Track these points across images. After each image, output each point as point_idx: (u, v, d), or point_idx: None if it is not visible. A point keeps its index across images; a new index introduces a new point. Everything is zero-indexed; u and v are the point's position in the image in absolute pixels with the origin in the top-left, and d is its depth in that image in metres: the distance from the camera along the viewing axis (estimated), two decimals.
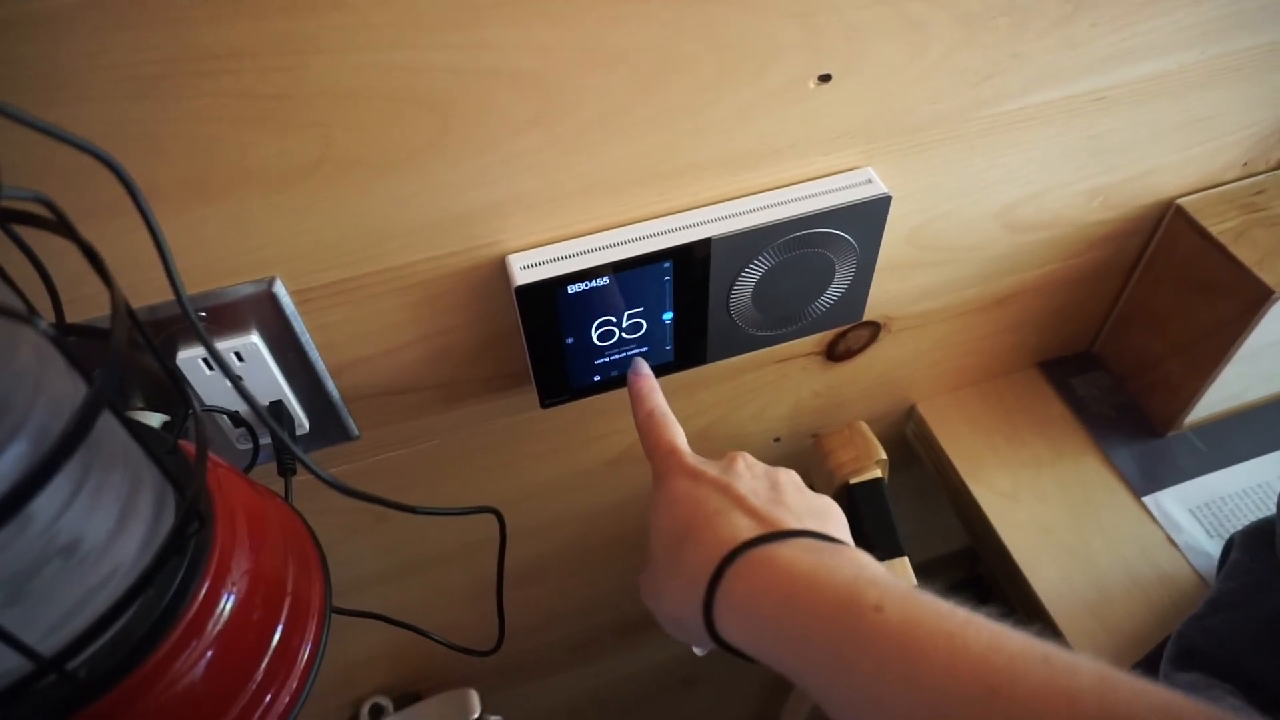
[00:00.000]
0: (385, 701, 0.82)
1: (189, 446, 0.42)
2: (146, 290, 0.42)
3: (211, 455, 0.41)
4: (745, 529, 0.36)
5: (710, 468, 0.42)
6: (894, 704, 0.28)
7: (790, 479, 0.42)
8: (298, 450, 0.36)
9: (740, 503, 0.38)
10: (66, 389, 0.29)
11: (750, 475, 0.41)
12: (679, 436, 0.45)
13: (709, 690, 1.16)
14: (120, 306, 0.29)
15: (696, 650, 0.42)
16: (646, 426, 0.46)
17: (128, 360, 0.43)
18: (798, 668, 0.32)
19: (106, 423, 0.33)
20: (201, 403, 0.47)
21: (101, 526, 0.32)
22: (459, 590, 0.73)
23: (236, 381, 0.32)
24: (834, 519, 0.40)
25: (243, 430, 0.49)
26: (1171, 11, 0.50)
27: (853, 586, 0.31)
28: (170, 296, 0.42)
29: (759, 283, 0.51)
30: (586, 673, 0.99)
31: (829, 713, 0.32)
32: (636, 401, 0.48)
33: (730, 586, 0.35)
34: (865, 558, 0.34)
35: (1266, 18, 0.53)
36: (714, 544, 0.36)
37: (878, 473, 0.66)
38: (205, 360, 0.44)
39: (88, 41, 0.33)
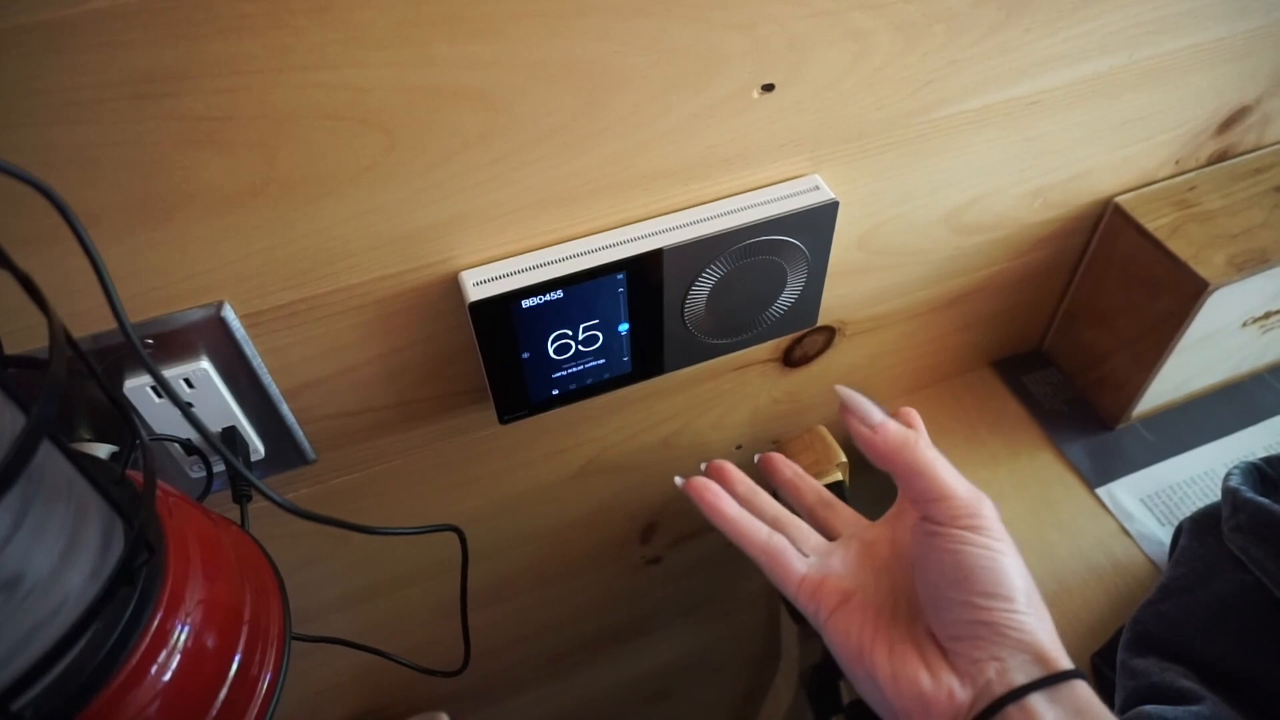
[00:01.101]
0: None
1: (138, 477, 0.41)
2: (90, 318, 0.41)
3: (162, 484, 0.40)
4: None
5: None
6: None
7: None
8: (249, 475, 0.36)
9: None
10: (4, 422, 0.28)
11: None
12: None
13: (682, 703, 1.16)
14: (59, 334, 0.28)
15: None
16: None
17: (72, 390, 0.43)
18: None
19: (48, 454, 0.32)
20: (151, 431, 0.46)
21: (45, 560, 0.31)
22: (425, 611, 0.73)
23: (185, 408, 0.32)
24: None
25: (195, 458, 0.48)
26: (1100, 16, 0.51)
27: None
28: (114, 324, 0.42)
29: (712, 291, 0.51)
30: (559, 689, 0.99)
31: None
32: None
33: None
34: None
35: (1189, 21, 0.55)
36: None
37: (839, 475, 0.66)
38: (154, 388, 0.44)
39: (19, 66, 0.32)
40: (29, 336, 0.38)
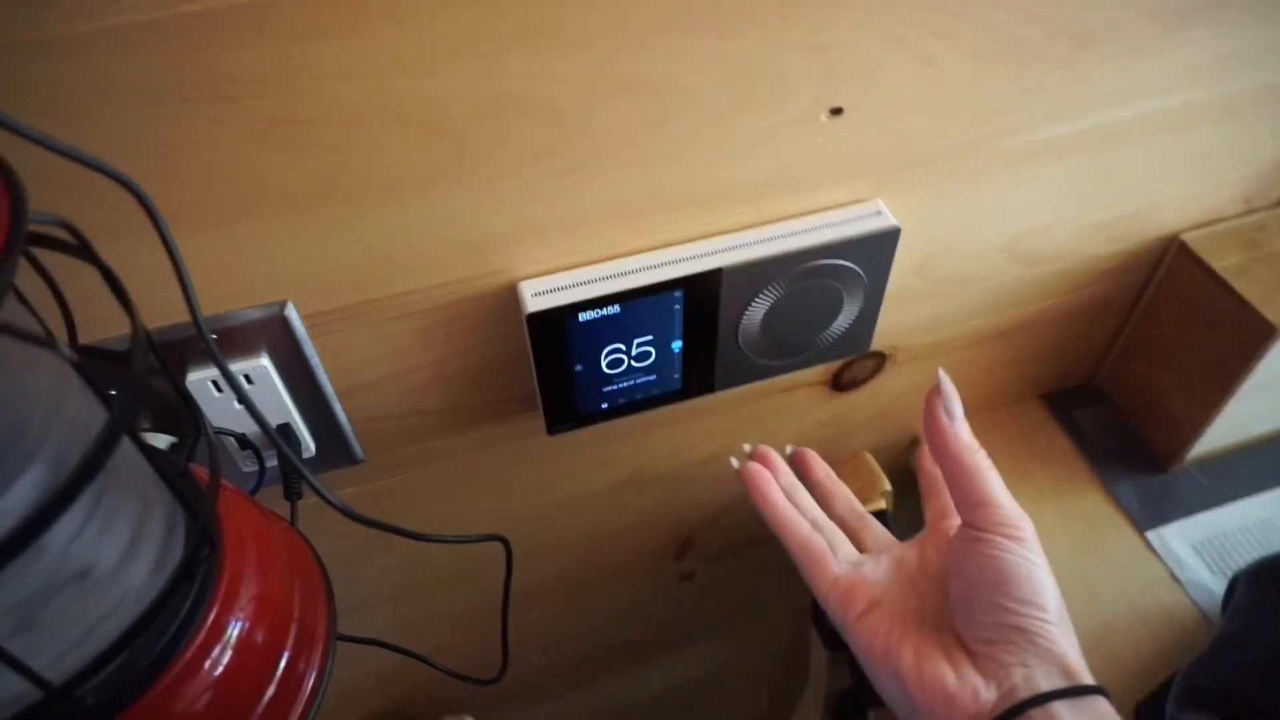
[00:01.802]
0: None
1: (199, 471, 0.42)
2: (158, 311, 0.41)
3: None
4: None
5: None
6: None
7: None
8: (309, 475, 0.36)
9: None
10: (83, 413, 0.28)
11: None
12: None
13: (707, 717, 1.15)
14: (140, 332, 0.29)
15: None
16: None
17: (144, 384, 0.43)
18: None
19: (123, 448, 0.32)
20: (209, 424, 0.46)
21: (113, 552, 0.31)
22: (460, 613, 0.73)
23: (252, 407, 0.32)
24: None
25: (249, 453, 0.48)
26: (1178, 49, 0.50)
27: None
28: (182, 318, 0.42)
29: (768, 312, 0.51)
30: (583, 696, 0.98)
31: None
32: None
33: None
34: None
35: (1270, 58, 0.53)
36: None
37: (883, 504, 0.66)
38: (214, 382, 0.44)
39: (109, 65, 0.33)
40: (99, 327, 0.39)
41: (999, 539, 0.40)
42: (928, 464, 0.52)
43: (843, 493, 0.54)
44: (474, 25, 0.36)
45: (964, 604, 0.41)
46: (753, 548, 0.83)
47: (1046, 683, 0.37)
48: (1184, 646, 0.63)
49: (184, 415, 0.42)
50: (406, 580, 0.68)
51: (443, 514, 0.61)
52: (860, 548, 0.50)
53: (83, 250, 0.28)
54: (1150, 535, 0.69)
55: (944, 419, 0.43)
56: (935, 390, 0.44)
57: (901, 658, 0.41)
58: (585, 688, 0.96)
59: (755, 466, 0.52)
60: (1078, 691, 0.37)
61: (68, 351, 0.25)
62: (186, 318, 0.42)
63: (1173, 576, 0.67)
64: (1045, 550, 0.68)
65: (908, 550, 0.48)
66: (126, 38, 0.32)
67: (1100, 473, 0.73)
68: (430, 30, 0.35)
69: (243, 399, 0.32)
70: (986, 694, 0.38)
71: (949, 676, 0.39)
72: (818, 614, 0.83)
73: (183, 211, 0.38)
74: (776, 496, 0.50)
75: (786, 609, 0.96)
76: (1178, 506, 0.71)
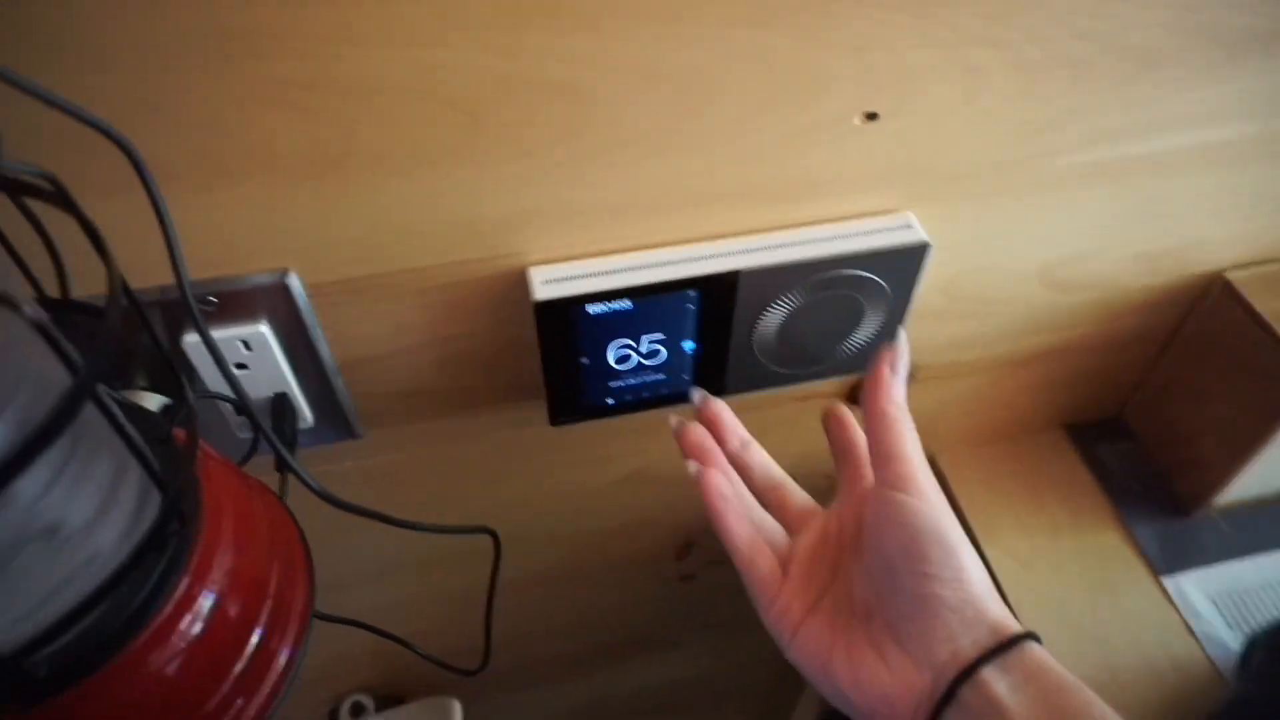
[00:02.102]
0: (367, 700, 0.81)
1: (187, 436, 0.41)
2: (159, 269, 0.40)
3: (204, 445, 0.40)
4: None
5: None
6: None
7: None
8: (286, 454, 0.35)
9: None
10: (56, 372, 0.28)
11: None
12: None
13: (700, 716, 1.14)
14: (117, 289, 0.28)
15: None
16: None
17: (131, 340, 0.43)
18: None
19: (93, 409, 0.32)
20: (205, 388, 0.46)
21: (81, 513, 0.31)
22: (452, 595, 0.72)
23: (234, 381, 0.31)
24: None
25: (245, 419, 0.48)
26: (1240, 79, 0.48)
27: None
28: (199, 275, 0.42)
29: (786, 320, 0.49)
30: (575, 687, 0.98)
31: None
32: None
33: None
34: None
35: None
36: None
37: None
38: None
39: (110, 10, 0.32)
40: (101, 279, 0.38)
41: (906, 497, 0.39)
42: (836, 427, 0.50)
43: (759, 461, 0.50)
44: None
45: (884, 580, 0.40)
46: None
47: (973, 649, 0.36)
48: (1194, 703, 0.60)
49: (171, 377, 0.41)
50: (402, 558, 0.67)
51: (441, 495, 0.60)
52: (783, 513, 0.48)
53: (64, 202, 0.27)
54: (1167, 581, 0.66)
55: (888, 370, 0.41)
56: (890, 346, 0.42)
57: (837, 670, 0.40)
58: (578, 679, 0.95)
59: (712, 478, 0.48)
60: (1005, 646, 0.35)
61: (30, 311, 0.24)
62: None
63: (1188, 628, 0.64)
64: (1055, 587, 0.66)
65: (829, 520, 0.46)
66: None
67: (1120, 511, 0.71)
68: (451, 0, 0.34)
69: (224, 370, 0.31)
70: (920, 680, 0.37)
71: (883, 676, 0.38)
72: None
73: (185, 169, 0.37)
74: (732, 519, 0.47)
75: None
76: (1199, 554, 0.68)
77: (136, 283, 0.38)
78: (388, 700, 0.81)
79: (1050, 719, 0.33)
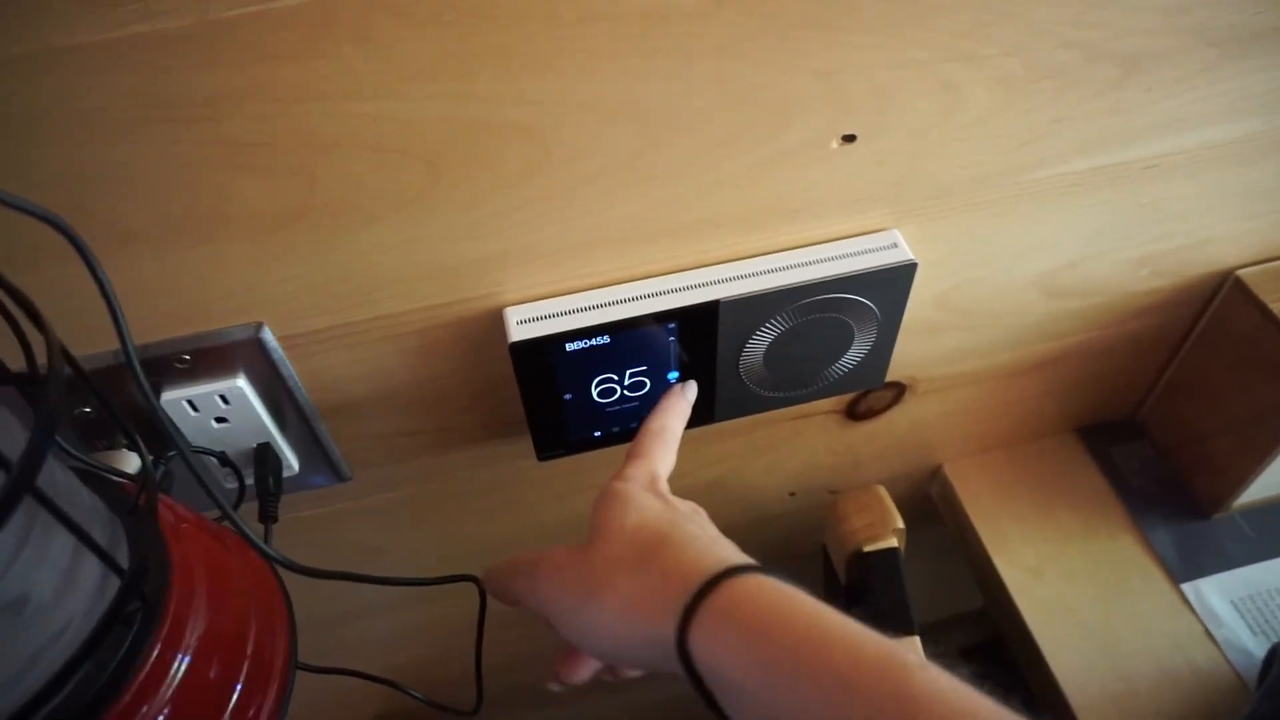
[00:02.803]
0: None
1: (168, 500, 0.41)
2: (146, 327, 0.41)
3: (175, 505, 0.40)
4: (730, 557, 0.35)
5: (680, 504, 0.40)
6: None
7: None
8: (244, 527, 0.35)
9: (717, 541, 0.37)
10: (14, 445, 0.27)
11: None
12: (666, 468, 0.43)
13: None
14: (57, 359, 0.27)
15: (553, 686, 0.41)
16: (649, 438, 0.43)
17: (111, 398, 0.42)
18: (765, 689, 0.30)
19: (51, 476, 0.31)
20: (186, 443, 0.45)
21: (49, 581, 0.30)
22: (453, 625, 0.72)
23: (188, 456, 0.31)
24: None
25: (229, 470, 0.47)
26: (1236, 78, 0.46)
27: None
28: (162, 335, 0.41)
29: (771, 345, 0.48)
30: (586, 706, 0.97)
31: None
32: (658, 410, 0.46)
33: (725, 594, 0.32)
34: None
35: None
36: (708, 557, 0.34)
37: (894, 542, 0.62)
38: (189, 401, 0.43)
39: (59, 86, 0.31)
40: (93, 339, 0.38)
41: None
42: None
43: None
44: (442, 47, 0.34)
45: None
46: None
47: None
48: (1214, 713, 0.58)
49: (158, 431, 0.41)
50: (398, 591, 0.67)
51: (432, 532, 0.60)
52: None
53: None
54: (1185, 588, 0.65)
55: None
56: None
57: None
58: (586, 698, 0.95)
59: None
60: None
61: None
62: (156, 336, 0.41)
63: (1208, 634, 0.62)
64: (1068, 597, 0.64)
65: None
66: (77, 59, 0.31)
67: (1135, 515, 0.69)
68: (397, 52, 0.33)
69: (177, 441, 0.30)
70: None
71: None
72: None
73: (146, 232, 0.37)
74: None
75: None
76: (1218, 558, 0.66)
77: (108, 344, 0.38)
78: None
79: (759, 660, 0.30)
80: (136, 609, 0.32)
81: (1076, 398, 0.69)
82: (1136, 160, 0.49)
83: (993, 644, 1.05)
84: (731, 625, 0.31)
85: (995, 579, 0.67)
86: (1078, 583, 0.66)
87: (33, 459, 0.25)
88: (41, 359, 0.28)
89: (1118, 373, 0.68)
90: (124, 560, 0.34)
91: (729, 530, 0.73)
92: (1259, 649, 0.61)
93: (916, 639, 0.59)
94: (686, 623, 0.32)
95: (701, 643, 0.31)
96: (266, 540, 0.45)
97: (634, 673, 0.43)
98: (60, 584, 0.31)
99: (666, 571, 0.34)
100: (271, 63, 0.32)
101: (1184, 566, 0.66)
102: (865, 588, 0.64)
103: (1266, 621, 0.62)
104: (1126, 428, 0.74)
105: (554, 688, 0.44)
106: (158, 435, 0.41)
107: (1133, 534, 0.68)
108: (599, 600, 0.35)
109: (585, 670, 0.42)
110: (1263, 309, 0.58)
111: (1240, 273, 0.60)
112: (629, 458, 0.43)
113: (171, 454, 0.45)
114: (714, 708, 0.32)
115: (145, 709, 0.32)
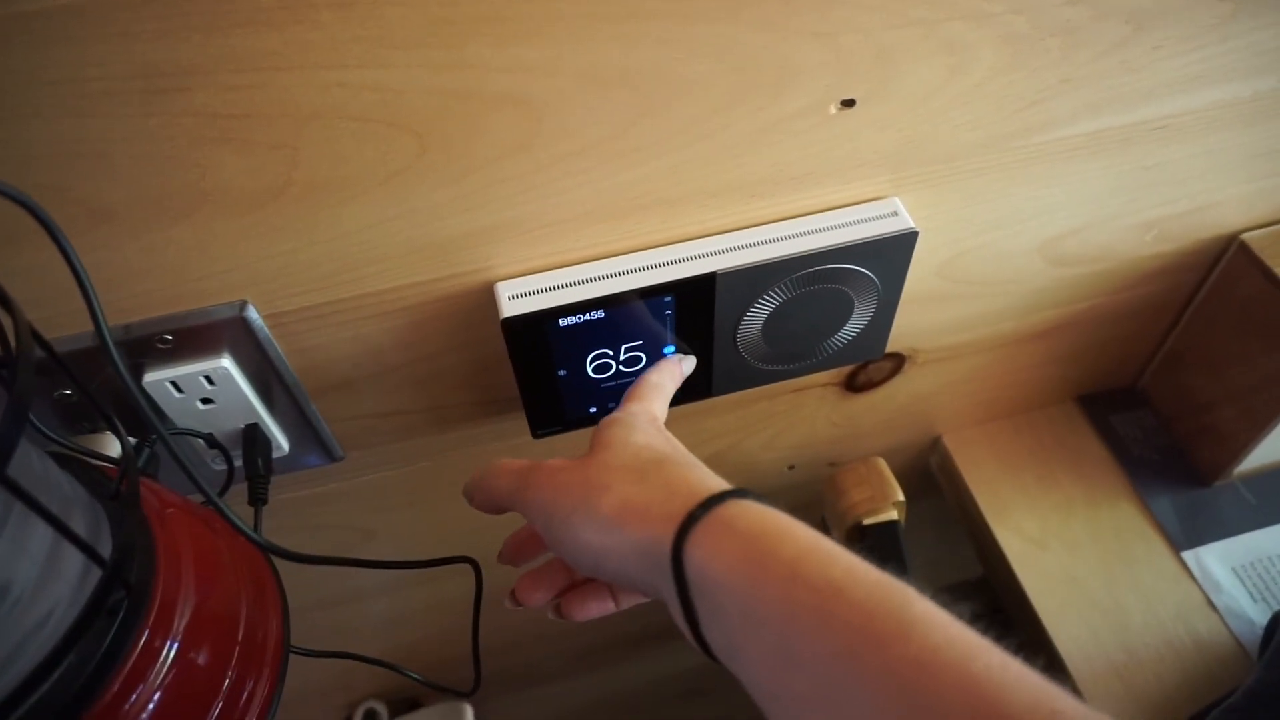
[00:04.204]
0: (380, 707, 0.81)
1: (152, 485, 0.40)
2: (120, 307, 0.39)
3: (160, 490, 0.39)
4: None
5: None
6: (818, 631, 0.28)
7: None
8: (229, 512, 0.34)
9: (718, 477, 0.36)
10: None
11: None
12: (663, 416, 0.42)
13: (718, 701, 1.13)
14: (27, 341, 0.26)
15: (507, 604, 0.41)
16: (647, 387, 0.43)
17: (93, 382, 0.41)
18: (756, 592, 0.30)
19: (24, 461, 0.30)
20: (171, 425, 0.44)
21: (30, 568, 0.30)
22: (455, 603, 0.71)
23: (119, 434, 0.30)
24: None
25: (217, 451, 0.46)
26: (1248, 34, 0.44)
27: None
28: (143, 315, 0.40)
29: (769, 318, 0.47)
30: (589, 681, 0.97)
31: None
32: (655, 369, 0.44)
33: (731, 510, 0.31)
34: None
35: None
36: (712, 480, 0.34)
37: (894, 515, 0.62)
38: (173, 382, 0.42)
39: (28, 55, 0.30)
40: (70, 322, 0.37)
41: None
42: None
43: None
44: (428, 12, 0.32)
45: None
46: None
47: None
48: (1216, 681, 0.58)
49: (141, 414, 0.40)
50: (401, 572, 0.66)
51: (428, 511, 0.59)
52: None
53: None
54: (1186, 555, 0.64)
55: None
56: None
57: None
58: (591, 673, 0.95)
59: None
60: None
61: None
62: (138, 316, 0.40)
63: (1209, 602, 0.62)
64: (1069, 566, 0.64)
65: None
66: (46, 25, 0.29)
67: (1136, 484, 0.69)
68: (382, 17, 0.32)
69: (152, 422, 0.29)
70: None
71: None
72: None
73: (124, 209, 0.35)
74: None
75: None
76: (1219, 525, 0.66)
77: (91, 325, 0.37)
78: (402, 704, 0.81)
79: (755, 566, 0.29)
80: (121, 599, 0.31)
81: (1078, 366, 0.69)
82: (1145, 121, 0.47)
83: (993, 614, 1.05)
84: (732, 535, 0.30)
85: (996, 549, 0.66)
86: (1080, 553, 0.65)
87: (2, 449, 0.24)
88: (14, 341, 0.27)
89: (1120, 340, 0.67)
90: (107, 547, 0.33)
91: None
92: (1260, 616, 0.61)
93: None
94: (686, 528, 0.31)
95: (697, 549, 0.30)
96: (256, 523, 0.44)
97: (594, 606, 0.42)
98: (41, 573, 0.30)
99: (670, 483, 0.34)
100: (249, 29, 0.31)
101: (1185, 534, 0.65)
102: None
103: (1267, 588, 0.62)
104: (1127, 396, 0.74)
105: (508, 605, 0.42)
106: (142, 417, 0.40)
107: (1134, 502, 0.68)
108: (595, 504, 0.34)
109: (542, 593, 0.41)
110: (1267, 273, 0.57)
111: (1245, 236, 0.59)
112: (627, 399, 0.42)
113: (156, 437, 0.44)
114: (691, 621, 0.31)
115: (135, 696, 0.32)
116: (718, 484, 0.34)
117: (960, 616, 0.29)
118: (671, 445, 0.39)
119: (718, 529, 0.31)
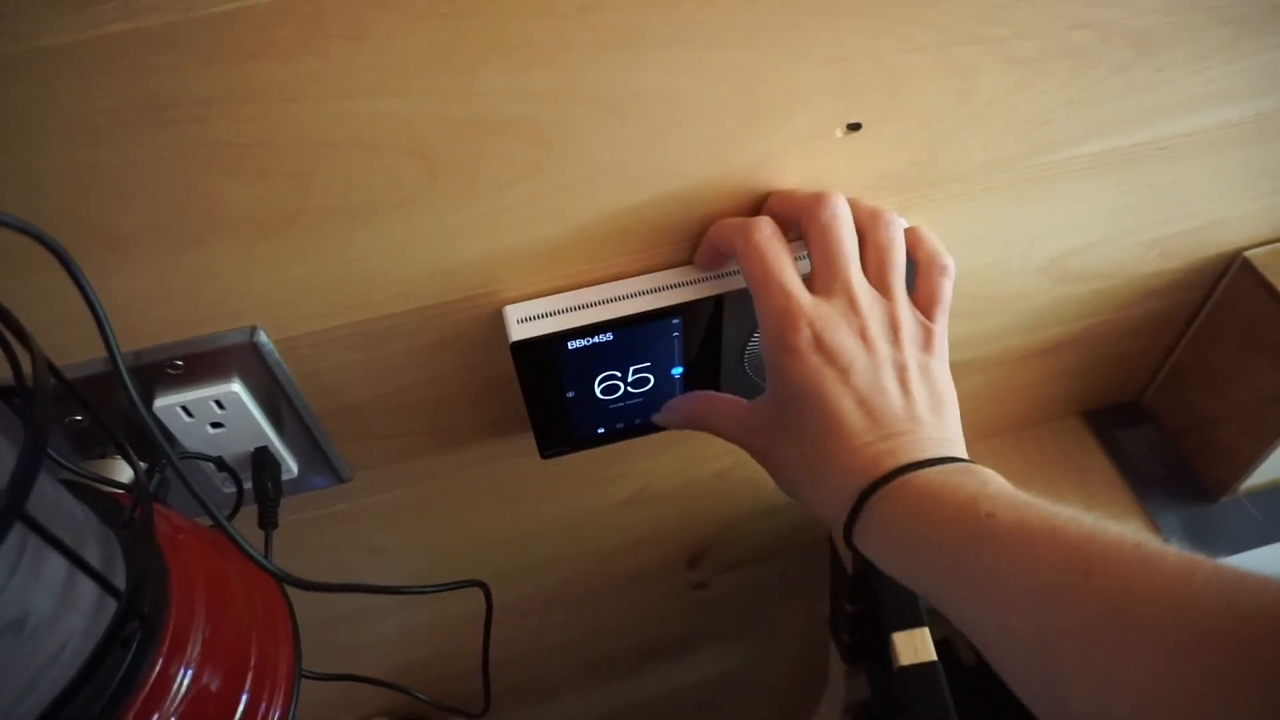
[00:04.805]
0: None
1: (165, 511, 0.40)
2: (132, 334, 0.39)
3: (171, 516, 0.39)
4: (879, 455, 0.37)
5: (831, 329, 0.38)
6: (1006, 593, 0.31)
7: (912, 355, 0.40)
8: (243, 542, 0.34)
9: (864, 404, 0.38)
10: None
11: (870, 355, 0.38)
12: (793, 270, 0.39)
13: (721, 715, 1.13)
14: (43, 373, 0.26)
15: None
16: (760, 255, 0.39)
17: (102, 407, 0.41)
18: (922, 574, 0.35)
19: (39, 495, 0.31)
20: (181, 449, 0.45)
21: (45, 600, 0.30)
22: (464, 620, 0.71)
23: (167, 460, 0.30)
24: (950, 407, 0.41)
25: (226, 474, 0.46)
26: (1253, 56, 0.45)
27: (972, 501, 0.33)
28: (155, 341, 0.40)
29: None
30: (597, 697, 0.97)
31: (952, 618, 0.34)
32: (752, 223, 0.40)
33: (868, 518, 0.36)
34: (988, 474, 0.35)
35: None
36: (852, 472, 0.37)
37: None
38: (183, 407, 0.42)
39: (40, 89, 0.30)
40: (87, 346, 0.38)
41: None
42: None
43: None
44: (438, 41, 0.32)
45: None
46: (768, 559, 0.80)
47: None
48: None
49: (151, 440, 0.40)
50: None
51: (437, 531, 0.59)
52: None
53: None
54: None
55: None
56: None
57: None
58: (599, 687, 0.95)
59: None
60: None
61: None
62: (150, 342, 0.40)
63: None
64: None
65: None
66: (57, 60, 0.29)
67: (1142, 499, 0.68)
68: (392, 48, 0.32)
69: (164, 451, 0.29)
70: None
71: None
72: (836, 626, 0.80)
73: (137, 237, 0.35)
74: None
75: (802, 619, 0.94)
76: (1226, 541, 0.66)
77: (103, 351, 0.37)
78: None
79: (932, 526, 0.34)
80: (135, 629, 0.31)
81: (1083, 382, 0.69)
82: (1150, 141, 0.47)
83: None
84: (872, 537, 0.36)
85: None
86: None
87: (21, 485, 0.24)
88: (29, 371, 0.28)
89: (1125, 357, 0.67)
90: (121, 576, 0.33)
91: (736, 522, 0.73)
92: None
93: (926, 630, 0.59)
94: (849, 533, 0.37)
95: (860, 545, 0.37)
96: (267, 545, 0.44)
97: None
98: (56, 604, 0.30)
99: (830, 492, 0.38)
100: (260, 61, 0.31)
101: (1192, 550, 0.65)
102: (872, 579, 0.63)
103: None
104: (1132, 411, 0.74)
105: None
106: (152, 443, 0.40)
107: (1140, 517, 0.68)
108: (796, 496, 0.42)
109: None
110: (1269, 289, 0.57)
111: (1248, 253, 0.59)
112: (757, 291, 0.40)
113: (166, 462, 0.44)
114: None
115: None
116: (861, 473, 0.37)
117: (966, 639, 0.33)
118: (820, 401, 0.40)
119: (871, 525, 0.36)
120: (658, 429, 0.51)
